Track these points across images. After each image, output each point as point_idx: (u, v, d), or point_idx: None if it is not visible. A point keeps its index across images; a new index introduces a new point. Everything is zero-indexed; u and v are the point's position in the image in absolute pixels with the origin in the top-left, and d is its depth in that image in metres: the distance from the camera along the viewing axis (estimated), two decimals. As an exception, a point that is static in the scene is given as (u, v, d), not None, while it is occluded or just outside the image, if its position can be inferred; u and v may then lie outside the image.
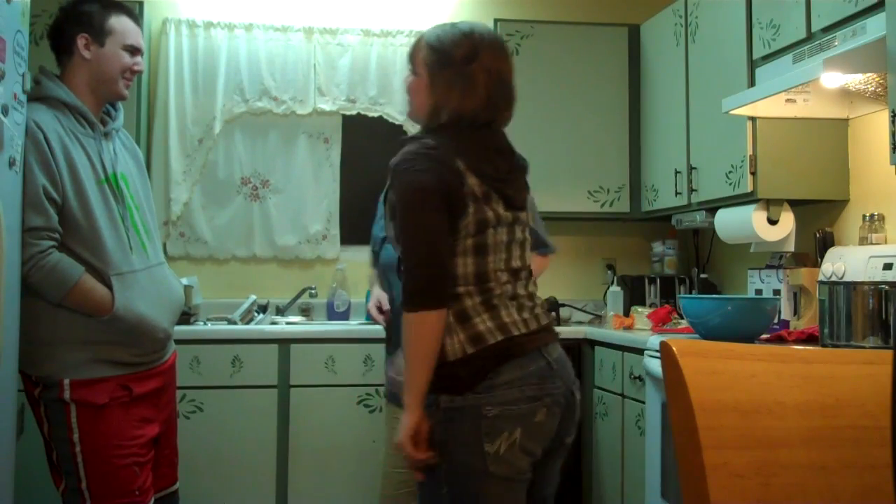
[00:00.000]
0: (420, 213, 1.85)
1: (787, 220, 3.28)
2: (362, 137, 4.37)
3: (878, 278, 2.64)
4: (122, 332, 2.27)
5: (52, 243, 2.18)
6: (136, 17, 2.48)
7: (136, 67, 2.44)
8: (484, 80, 1.93)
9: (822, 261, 2.95)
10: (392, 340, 2.73)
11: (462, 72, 1.92)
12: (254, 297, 4.00)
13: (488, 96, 1.93)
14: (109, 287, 2.23)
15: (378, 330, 3.74)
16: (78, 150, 2.28)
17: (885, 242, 2.89)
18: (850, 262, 2.76)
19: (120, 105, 2.50)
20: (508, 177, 1.95)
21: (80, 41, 2.35)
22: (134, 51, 2.42)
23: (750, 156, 3.17)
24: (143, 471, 2.30)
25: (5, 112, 2.05)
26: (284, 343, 3.63)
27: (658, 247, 4.35)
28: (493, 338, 1.85)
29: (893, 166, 2.33)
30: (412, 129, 4.30)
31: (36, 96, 2.29)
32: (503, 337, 1.85)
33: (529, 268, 2.00)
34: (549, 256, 2.86)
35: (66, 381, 2.21)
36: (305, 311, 4.19)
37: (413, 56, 2.02)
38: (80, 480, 2.21)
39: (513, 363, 1.85)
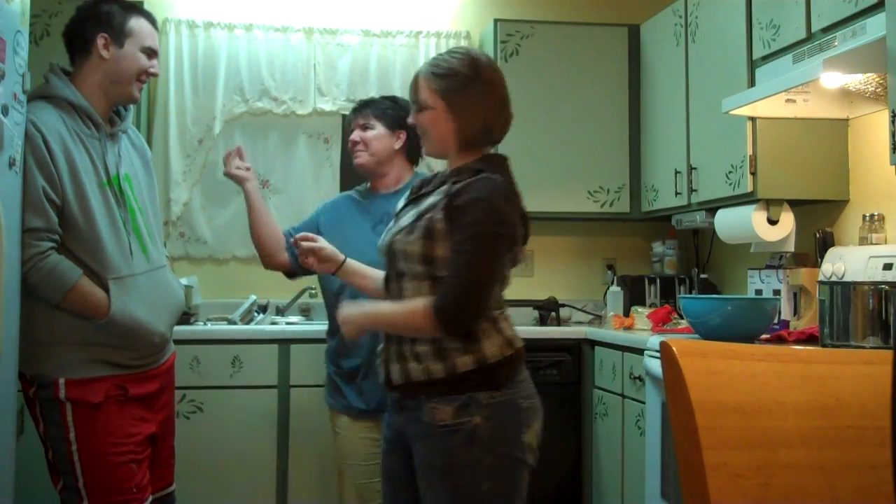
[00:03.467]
0: (491, 251, 1.98)
1: (787, 221, 3.28)
2: (362, 137, 4.36)
3: (878, 278, 2.64)
4: (117, 336, 2.27)
5: (51, 245, 2.18)
6: (154, 21, 2.49)
7: (151, 70, 2.44)
8: (499, 88, 2.08)
9: (822, 261, 2.95)
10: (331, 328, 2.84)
11: (479, 86, 2.03)
12: (254, 297, 4.00)
13: (499, 115, 2.09)
14: (107, 290, 2.23)
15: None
16: (81, 151, 2.27)
17: (885, 242, 2.89)
18: (850, 262, 2.76)
19: (130, 105, 2.50)
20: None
21: (100, 41, 2.35)
22: (151, 53, 2.43)
23: (750, 156, 3.17)
24: (141, 468, 2.30)
25: (5, 112, 2.05)
26: (284, 343, 3.63)
27: (658, 247, 4.35)
28: (518, 342, 2.08)
29: (893, 166, 2.33)
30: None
31: (43, 94, 2.29)
32: (520, 343, 2.09)
33: None
34: None
35: (62, 381, 2.21)
36: (305, 312, 4.19)
37: (415, 94, 2.07)
38: (77, 479, 2.22)
39: (523, 367, 2.09)
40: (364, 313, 2.10)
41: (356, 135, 2.91)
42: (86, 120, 2.31)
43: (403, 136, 2.88)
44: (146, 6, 3.89)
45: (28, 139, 2.18)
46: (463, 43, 4.36)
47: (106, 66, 2.35)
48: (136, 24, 2.41)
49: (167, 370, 2.48)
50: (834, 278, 2.76)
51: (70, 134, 2.26)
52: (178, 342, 3.51)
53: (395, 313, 2.03)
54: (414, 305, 1.97)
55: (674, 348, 1.28)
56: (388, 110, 2.89)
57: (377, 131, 2.88)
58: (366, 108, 2.92)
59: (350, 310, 2.10)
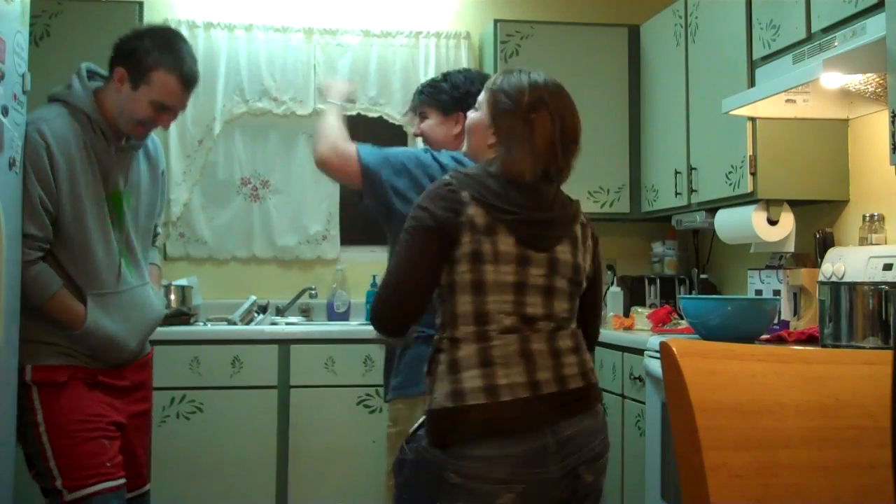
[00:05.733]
0: (406, 248, 1.80)
1: (787, 221, 3.28)
2: (362, 138, 4.26)
3: (878, 279, 2.64)
4: (89, 347, 2.28)
5: (39, 254, 2.19)
6: (189, 80, 2.39)
7: (155, 124, 2.37)
8: (545, 130, 1.81)
9: (822, 261, 2.95)
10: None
11: (524, 119, 1.81)
12: (254, 297, 4.00)
13: (547, 146, 1.81)
14: (85, 303, 2.24)
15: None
16: (87, 163, 2.26)
17: (885, 243, 2.89)
18: (850, 262, 2.76)
19: None
20: (532, 214, 1.79)
21: (117, 73, 2.31)
22: (162, 108, 2.34)
23: (750, 156, 3.17)
24: (113, 445, 2.28)
25: (5, 113, 2.05)
26: (284, 343, 3.63)
27: (658, 247, 4.35)
28: (474, 398, 1.68)
29: (893, 166, 2.33)
30: (411, 129, 4.30)
31: (63, 99, 2.29)
32: (486, 400, 1.68)
33: (559, 318, 1.81)
34: None
35: (29, 367, 2.21)
36: (305, 312, 4.19)
37: (489, 99, 1.91)
38: (48, 459, 2.20)
39: (494, 442, 1.68)
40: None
41: (416, 127, 2.74)
42: (98, 133, 2.29)
43: (462, 118, 2.60)
44: (146, 7, 3.95)
45: (31, 145, 2.17)
46: (462, 43, 4.36)
47: (117, 96, 2.31)
48: (161, 76, 2.30)
49: (141, 367, 2.48)
50: (834, 278, 2.76)
51: (79, 144, 2.25)
52: (178, 342, 3.55)
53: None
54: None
55: (674, 348, 1.28)
56: (442, 94, 2.65)
57: (432, 120, 2.66)
58: (419, 95, 2.72)
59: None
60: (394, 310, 1.81)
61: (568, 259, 1.82)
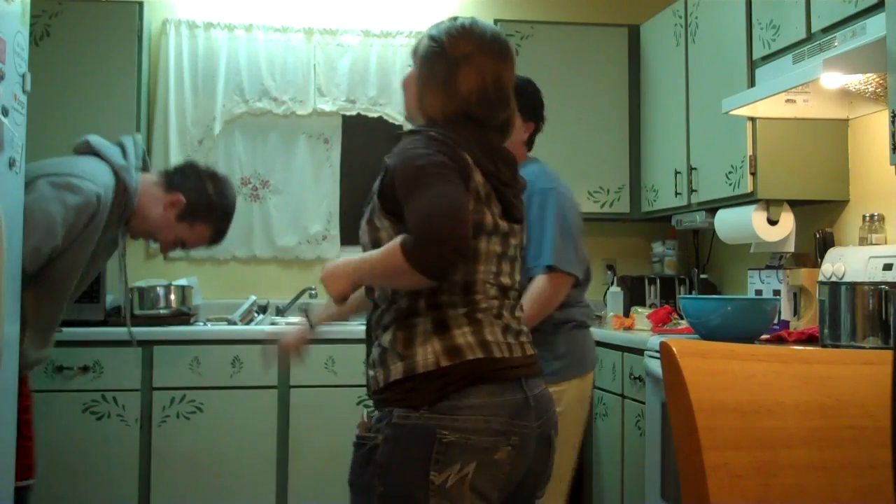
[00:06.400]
0: (438, 183, 1.60)
1: (787, 221, 3.28)
2: (362, 138, 4.37)
3: (878, 278, 2.64)
4: None
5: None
6: (222, 233, 2.52)
7: (167, 249, 2.48)
8: (477, 81, 1.74)
9: (822, 261, 2.95)
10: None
11: (454, 68, 1.74)
12: (254, 297, 4.00)
13: (478, 97, 1.74)
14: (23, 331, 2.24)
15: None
16: (94, 235, 2.29)
17: (885, 243, 2.89)
18: (850, 262, 2.76)
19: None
20: (511, 183, 1.78)
21: (175, 198, 2.40)
22: (182, 245, 2.47)
23: (750, 156, 3.17)
24: None
25: (5, 113, 2.05)
26: (284, 343, 3.62)
27: (658, 247, 4.35)
28: (472, 353, 1.65)
29: (893, 166, 2.33)
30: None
31: (115, 167, 2.32)
32: (483, 355, 1.66)
33: (519, 290, 1.82)
34: (551, 277, 2.54)
35: None
36: (305, 312, 4.19)
37: (414, 49, 1.85)
38: None
39: (484, 387, 1.65)
40: (346, 263, 1.71)
41: None
42: (115, 220, 2.34)
43: (532, 127, 2.69)
44: (146, 7, 3.95)
45: (84, 198, 2.19)
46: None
47: (156, 209, 2.40)
48: (203, 230, 2.45)
49: None
50: (834, 278, 2.76)
51: (102, 212, 2.28)
52: (178, 342, 3.55)
53: (374, 256, 1.65)
54: (391, 243, 1.61)
55: (674, 349, 1.28)
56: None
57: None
58: None
59: (329, 265, 1.75)
60: (449, 229, 1.56)
61: (523, 227, 1.84)
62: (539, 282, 2.54)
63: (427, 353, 1.65)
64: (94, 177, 2.26)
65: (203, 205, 2.42)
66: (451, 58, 1.75)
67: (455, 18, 1.83)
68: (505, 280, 1.75)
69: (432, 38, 1.79)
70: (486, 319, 1.70)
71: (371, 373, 1.74)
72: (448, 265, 1.57)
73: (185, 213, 2.41)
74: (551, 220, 2.56)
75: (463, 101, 1.74)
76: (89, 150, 2.36)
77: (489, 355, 1.67)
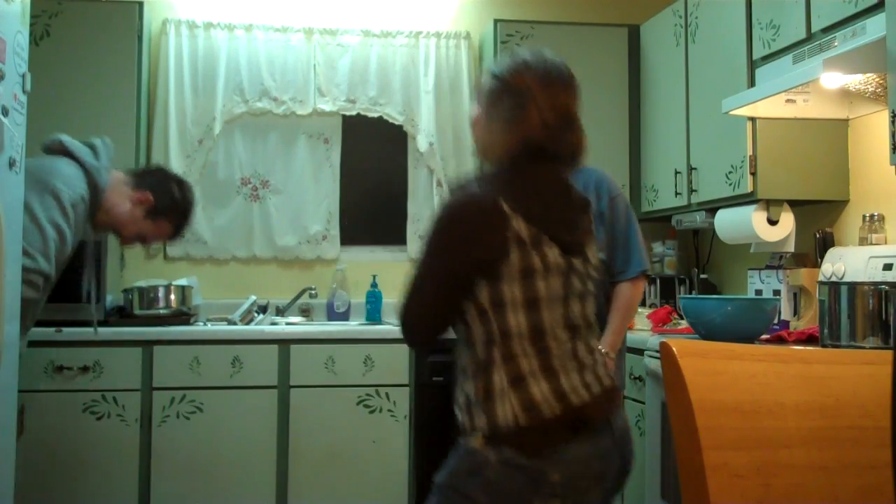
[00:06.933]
0: (427, 276, 1.74)
1: (787, 221, 3.28)
2: (362, 138, 4.37)
3: (878, 278, 2.64)
4: None
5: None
6: (181, 231, 2.68)
7: (128, 243, 2.62)
8: (541, 113, 1.75)
9: (822, 261, 2.95)
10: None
11: (518, 103, 1.76)
12: (254, 297, 4.00)
13: (546, 128, 1.75)
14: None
15: (378, 330, 3.74)
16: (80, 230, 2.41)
17: (885, 243, 2.89)
18: (850, 262, 2.76)
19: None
20: (564, 217, 1.77)
21: (144, 195, 2.55)
22: (142, 239, 2.61)
23: (750, 156, 3.17)
24: None
25: (5, 113, 2.05)
26: (284, 343, 3.63)
27: (658, 247, 4.34)
28: (548, 407, 1.67)
29: (893, 166, 2.33)
30: (411, 128, 4.31)
31: (88, 167, 2.41)
32: (560, 406, 1.67)
33: (591, 322, 1.82)
34: (636, 282, 2.73)
35: None
36: (305, 312, 4.19)
37: (477, 88, 1.87)
38: None
39: (584, 438, 1.69)
40: None
41: None
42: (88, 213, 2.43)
43: None
44: (146, 6, 3.95)
45: (76, 204, 2.33)
46: (462, 43, 4.36)
47: (123, 204, 2.52)
48: (165, 225, 2.60)
49: None
50: (834, 278, 2.76)
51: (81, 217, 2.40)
52: (178, 342, 3.55)
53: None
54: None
55: (674, 348, 1.28)
56: None
57: None
58: None
59: None
60: (417, 313, 1.76)
61: (587, 258, 1.81)
62: (625, 290, 2.71)
63: (506, 410, 1.67)
64: (69, 182, 2.36)
65: (168, 204, 2.59)
66: (514, 94, 1.77)
67: (515, 53, 1.83)
68: (576, 321, 1.76)
69: (494, 75, 1.82)
70: (562, 366, 1.71)
71: (458, 415, 1.77)
72: (415, 346, 1.80)
73: (151, 211, 2.56)
74: (633, 225, 2.75)
75: (528, 135, 1.75)
76: (62, 150, 2.45)
77: (566, 404, 1.68)
